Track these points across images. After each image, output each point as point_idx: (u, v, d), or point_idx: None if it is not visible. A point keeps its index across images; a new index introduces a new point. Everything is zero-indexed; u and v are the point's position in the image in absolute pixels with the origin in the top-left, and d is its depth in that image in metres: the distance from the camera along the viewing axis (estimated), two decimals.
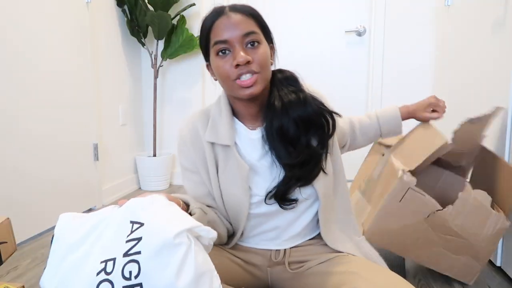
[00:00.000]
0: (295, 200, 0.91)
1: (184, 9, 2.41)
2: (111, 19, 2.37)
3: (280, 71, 0.94)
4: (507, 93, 1.39)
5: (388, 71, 2.47)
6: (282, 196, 0.89)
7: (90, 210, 2.17)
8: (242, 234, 0.99)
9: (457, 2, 2.02)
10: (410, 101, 2.38)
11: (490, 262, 1.46)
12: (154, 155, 2.61)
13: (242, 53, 0.80)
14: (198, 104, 2.67)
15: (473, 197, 1.22)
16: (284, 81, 0.91)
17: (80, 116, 2.07)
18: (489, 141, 1.52)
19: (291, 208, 0.92)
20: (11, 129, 1.63)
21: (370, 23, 2.46)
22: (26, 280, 1.36)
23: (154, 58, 2.50)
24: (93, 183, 2.19)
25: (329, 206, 0.96)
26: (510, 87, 1.38)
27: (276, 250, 0.99)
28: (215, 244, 0.99)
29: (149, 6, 2.40)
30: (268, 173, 0.91)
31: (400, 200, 1.18)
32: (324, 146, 0.89)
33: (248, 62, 0.81)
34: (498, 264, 1.45)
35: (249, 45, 0.82)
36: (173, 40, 2.46)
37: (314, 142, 0.88)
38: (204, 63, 0.93)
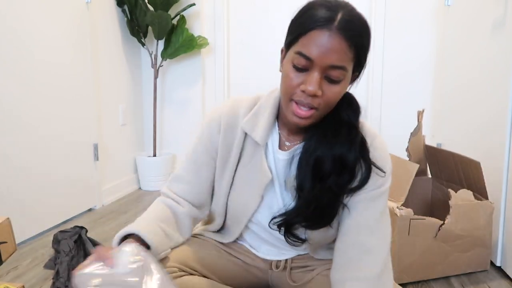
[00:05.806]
0: (303, 240, 0.85)
1: (184, 9, 2.41)
2: (111, 19, 2.37)
3: (350, 99, 0.82)
4: (507, 93, 1.39)
5: (388, 71, 2.46)
6: (287, 229, 0.83)
7: (90, 210, 2.17)
8: (241, 235, 0.96)
9: (457, 2, 2.02)
10: (409, 101, 2.41)
11: (490, 262, 1.46)
12: (154, 155, 2.60)
13: (315, 84, 0.71)
14: (198, 104, 2.67)
15: (460, 200, 1.36)
16: (345, 109, 0.81)
17: (80, 116, 2.07)
18: (488, 141, 1.52)
19: (297, 246, 0.87)
20: (11, 129, 1.63)
21: (370, 23, 2.45)
22: (26, 280, 1.36)
23: (154, 58, 2.50)
24: (93, 183, 2.19)
25: (319, 245, 0.93)
26: (510, 87, 1.38)
27: (278, 260, 0.96)
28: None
29: (149, 6, 2.40)
30: (279, 195, 0.85)
31: (409, 234, 1.31)
32: (341, 195, 0.80)
33: (314, 95, 0.72)
34: (498, 264, 1.45)
35: (328, 78, 0.72)
36: (173, 40, 2.45)
37: (336, 188, 0.78)
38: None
